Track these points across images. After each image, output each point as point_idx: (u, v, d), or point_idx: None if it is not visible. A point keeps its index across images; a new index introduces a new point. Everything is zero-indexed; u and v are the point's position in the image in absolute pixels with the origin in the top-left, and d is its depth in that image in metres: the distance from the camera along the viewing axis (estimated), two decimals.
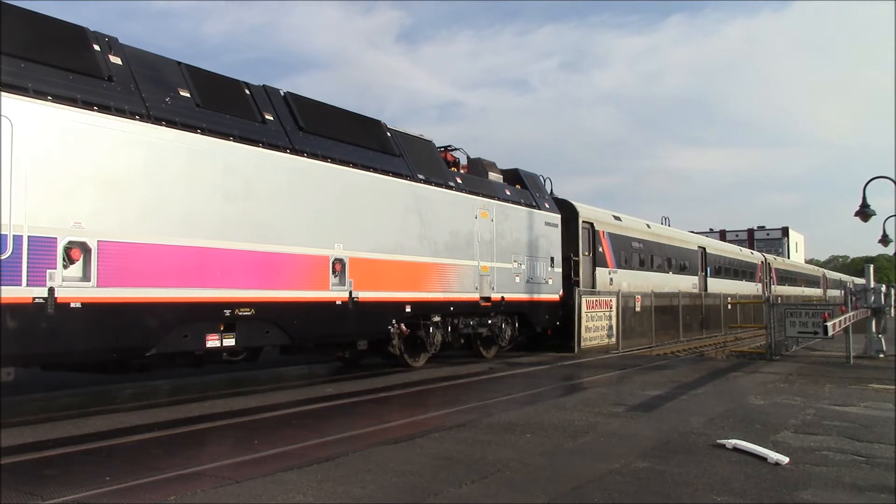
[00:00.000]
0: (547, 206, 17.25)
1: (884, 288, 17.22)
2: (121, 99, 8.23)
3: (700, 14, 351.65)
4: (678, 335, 22.79)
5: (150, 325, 8.30)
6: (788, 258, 68.61)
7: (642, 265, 23.13)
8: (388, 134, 12.80)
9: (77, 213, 7.58)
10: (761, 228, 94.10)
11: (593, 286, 18.97)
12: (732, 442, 6.51)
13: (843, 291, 19.44)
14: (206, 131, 9.08)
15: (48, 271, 7.27)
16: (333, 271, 10.79)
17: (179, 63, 9.45)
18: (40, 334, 7.24)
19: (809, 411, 8.55)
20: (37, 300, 7.17)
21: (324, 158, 10.81)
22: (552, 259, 17.02)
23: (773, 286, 38.54)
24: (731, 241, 59.06)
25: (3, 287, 6.85)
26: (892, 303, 17.23)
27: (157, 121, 8.53)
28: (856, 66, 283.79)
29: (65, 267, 7.43)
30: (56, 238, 7.37)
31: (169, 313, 8.49)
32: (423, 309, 12.79)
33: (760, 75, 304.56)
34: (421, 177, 12.90)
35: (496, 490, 5.17)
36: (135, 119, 8.29)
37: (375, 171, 11.80)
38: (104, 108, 7.99)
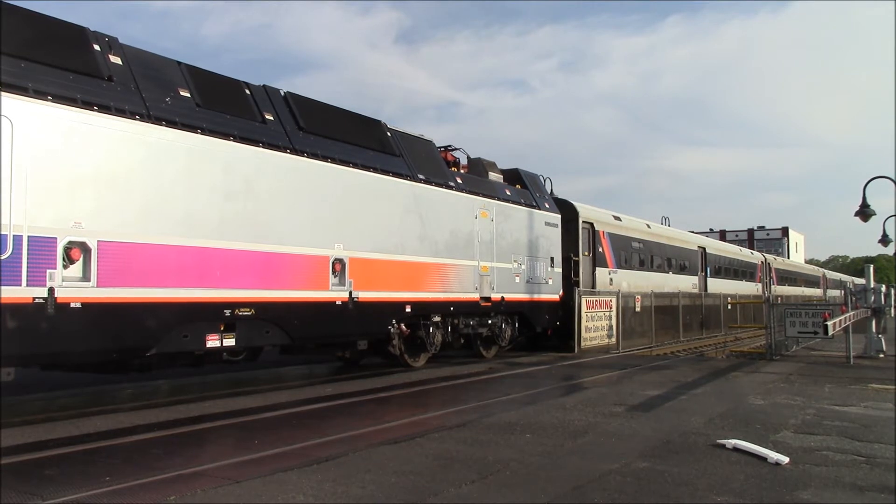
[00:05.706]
0: (547, 206, 17.25)
1: (884, 288, 17.25)
2: (121, 99, 8.23)
3: (698, 14, 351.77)
4: (678, 335, 22.79)
5: (150, 325, 8.31)
6: (788, 258, 68.61)
7: (642, 265, 23.14)
8: (388, 134, 12.80)
9: (77, 213, 7.58)
10: (761, 228, 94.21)
11: (593, 286, 18.97)
12: (732, 442, 6.51)
13: (843, 291, 19.45)
14: (206, 131, 9.08)
15: (48, 271, 7.27)
16: (333, 271, 10.79)
17: (179, 63, 9.45)
18: (40, 334, 7.24)
19: (809, 411, 8.55)
20: (37, 300, 7.17)
21: (324, 158, 10.81)
22: (552, 259, 17.02)
23: (773, 286, 38.54)
24: (731, 241, 59.08)
25: (3, 287, 6.85)
26: (892, 303, 17.24)
27: (157, 121, 8.53)
28: (855, 66, 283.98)
29: (65, 267, 7.43)
30: (56, 238, 7.37)
31: (169, 313, 8.49)
32: (423, 309, 12.79)
33: (759, 75, 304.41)
34: (421, 177, 12.90)
35: (496, 490, 5.16)
36: (135, 119, 8.29)
37: (375, 170, 11.80)
38: (104, 108, 7.99)
